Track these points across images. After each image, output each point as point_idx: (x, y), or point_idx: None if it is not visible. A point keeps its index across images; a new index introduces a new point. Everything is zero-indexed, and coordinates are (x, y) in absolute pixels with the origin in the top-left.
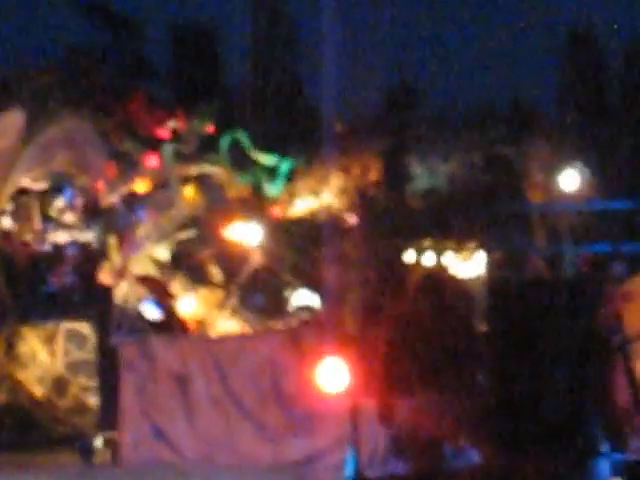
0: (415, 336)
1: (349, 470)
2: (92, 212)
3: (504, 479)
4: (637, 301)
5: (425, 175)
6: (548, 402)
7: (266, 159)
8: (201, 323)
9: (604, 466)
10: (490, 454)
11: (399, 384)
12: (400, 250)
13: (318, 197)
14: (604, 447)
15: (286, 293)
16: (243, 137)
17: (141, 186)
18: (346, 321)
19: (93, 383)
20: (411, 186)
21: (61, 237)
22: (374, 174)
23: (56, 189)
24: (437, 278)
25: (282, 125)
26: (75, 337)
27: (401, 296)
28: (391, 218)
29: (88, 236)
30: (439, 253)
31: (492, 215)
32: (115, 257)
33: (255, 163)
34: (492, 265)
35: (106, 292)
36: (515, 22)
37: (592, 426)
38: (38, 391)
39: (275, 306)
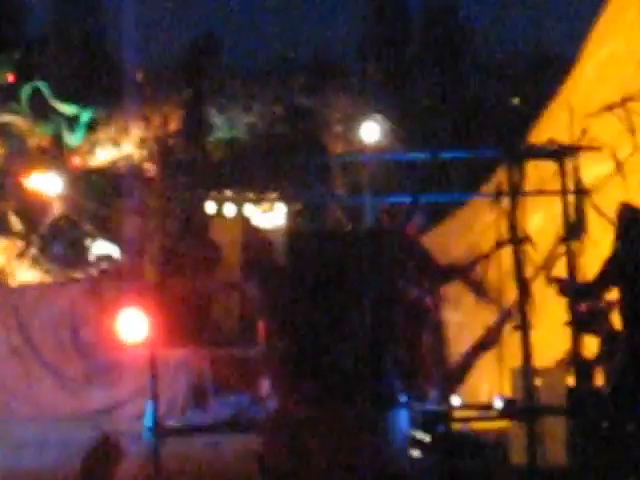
0: (216, 287)
1: (148, 420)
2: None
3: (301, 429)
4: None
5: (226, 126)
6: (346, 354)
7: (66, 109)
8: (1, 273)
9: (403, 416)
10: (288, 404)
11: (198, 334)
12: (200, 200)
13: (119, 147)
14: (403, 398)
15: (86, 243)
16: (44, 87)
17: None
18: (146, 271)
19: None
20: (212, 137)
21: None
22: (174, 124)
23: None
24: (241, 230)
25: (83, 75)
26: None
27: (203, 247)
28: (191, 169)
29: None
30: (239, 204)
31: (292, 166)
32: None
33: (56, 113)
34: (292, 216)
35: None
36: None
37: (391, 377)
38: None
39: (75, 256)
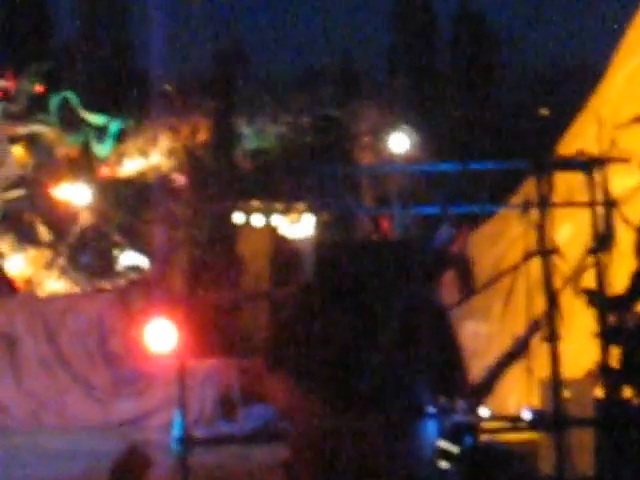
0: (244, 297)
1: (176, 430)
2: None
3: (328, 440)
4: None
5: (254, 136)
6: (375, 364)
7: (95, 119)
8: (29, 283)
9: (431, 427)
10: (316, 415)
11: (226, 345)
12: (229, 211)
13: (147, 157)
14: (431, 408)
15: (115, 253)
16: (72, 97)
17: None
18: (174, 282)
19: None
20: (240, 147)
21: None
22: (203, 135)
23: None
24: (270, 240)
25: (112, 86)
26: None
27: (230, 257)
28: (219, 179)
29: None
30: (267, 215)
31: (320, 177)
32: None
33: (84, 123)
34: (320, 226)
35: None
36: None
37: (419, 388)
38: None
39: (103, 266)
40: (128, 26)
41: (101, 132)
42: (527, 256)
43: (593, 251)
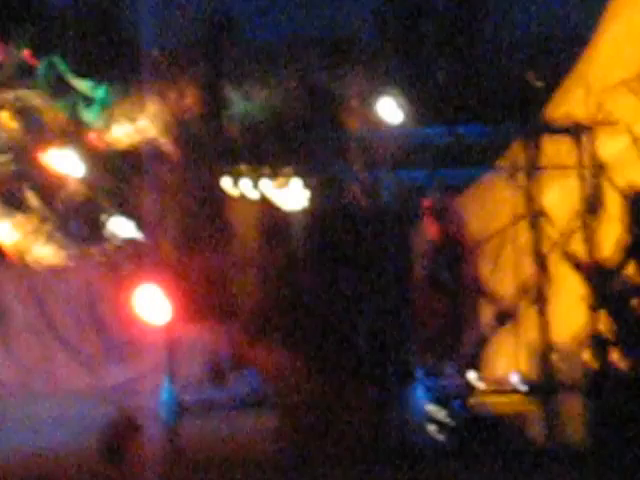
0: (233, 264)
1: (165, 395)
2: None
3: (318, 405)
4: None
5: (241, 102)
6: (362, 330)
7: (83, 85)
8: (17, 250)
9: (420, 392)
10: (305, 381)
11: (215, 311)
12: (217, 176)
13: (135, 123)
14: (419, 373)
15: (103, 219)
16: (60, 63)
17: None
18: (164, 248)
19: None
20: (228, 113)
21: None
22: (191, 100)
23: None
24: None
25: (99, 51)
26: None
27: (219, 224)
28: (207, 144)
29: None
30: (255, 180)
31: (308, 142)
32: None
33: (72, 89)
34: (310, 194)
35: None
36: None
37: (407, 353)
38: None
39: (92, 233)
40: None
41: (88, 98)
42: (515, 220)
43: (581, 215)
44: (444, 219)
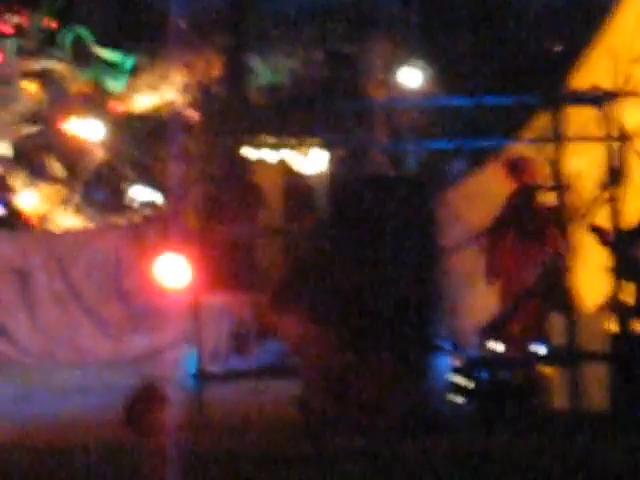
0: (258, 232)
1: (190, 366)
2: None
3: (342, 374)
4: (476, 201)
5: (266, 71)
6: (387, 300)
7: (108, 54)
8: (43, 219)
9: (444, 362)
10: (329, 349)
11: (240, 280)
12: (241, 146)
13: (160, 93)
14: (444, 343)
15: (128, 189)
16: (85, 32)
17: None
18: (188, 217)
19: None
20: (253, 82)
21: None
22: (216, 70)
23: None
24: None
25: (124, 20)
26: None
27: (245, 192)
28: (232, 114)
29: None
30: (279, 149)
31: (333, 112)
32: None
33: (97, 58)
34: (334, 162)
35: None
36: None
37: (432, 323)
38: None
39: (117, 202)
40: None
41: (114, 67)
42: (543, 191)
43: (606, 186)
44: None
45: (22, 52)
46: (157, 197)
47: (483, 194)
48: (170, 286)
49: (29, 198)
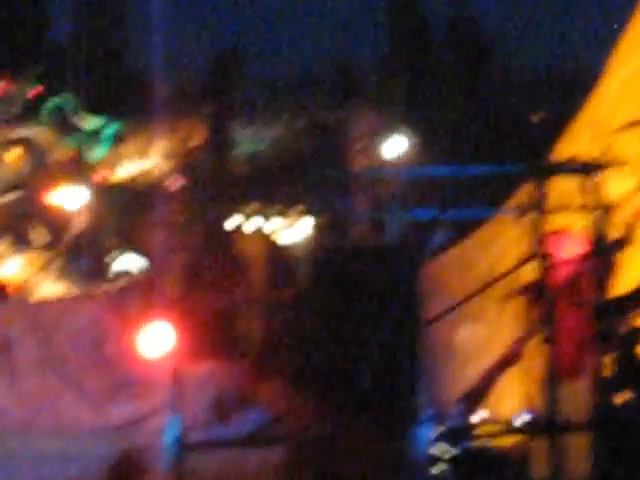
0: (240, 302)
1: (171, 434)
2: None
3: (322, 444)
4: (458, 271)
5: (249, 140)
6: (367, 371)
7: (90, 122)
8: (24, 287)
9: (426, 432)
10: (310, 420)
11: (221, 348)
12: (225, 215)
13: (143, 160)
14: (426, 414)
15: (111, 257)
16: (67, 101)
17: None
18: (171, 285)
19: None
20: (236, 150)
21: None
22: (199, 138)
23: None
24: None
25: (109, 87)
26: None
27: (227, 262)
28: (215, 182)
29: None
30: (266, 218)
31: (315, 180)
32: None
33: (78, 128)
34: (316, 231)
35: None
36: None
37: (413, 393)
38: None
39: (100, 269)
40: (126, 27)
41: (96, 135)
42: (523, 260)
43: (588, 258)
44: None
45: (5, 119)
46: (139, 265)
47: (466, 264)
48: (152, 354)
49: (10, 266)
